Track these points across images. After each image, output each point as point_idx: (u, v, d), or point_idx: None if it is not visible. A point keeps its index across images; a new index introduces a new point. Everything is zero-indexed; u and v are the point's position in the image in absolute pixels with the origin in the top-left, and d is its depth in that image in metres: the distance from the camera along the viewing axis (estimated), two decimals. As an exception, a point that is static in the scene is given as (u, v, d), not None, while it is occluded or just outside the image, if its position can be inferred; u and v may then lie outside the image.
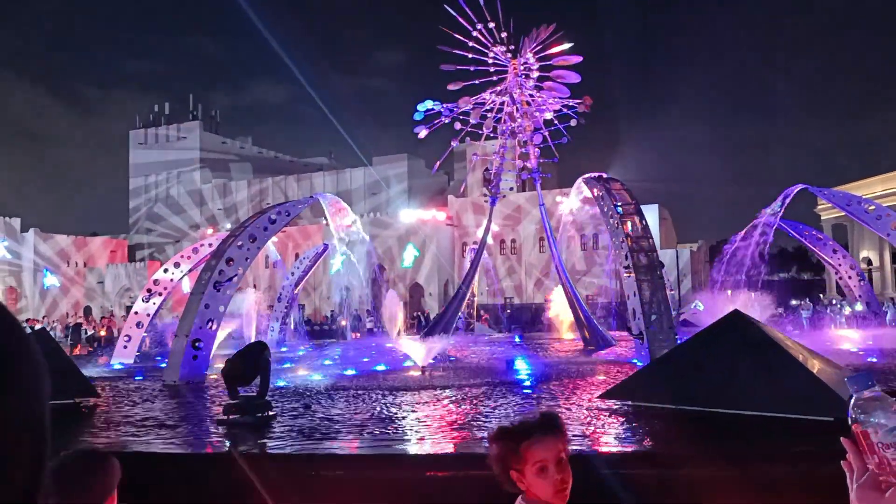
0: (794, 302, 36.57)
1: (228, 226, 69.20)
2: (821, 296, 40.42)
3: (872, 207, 24.68)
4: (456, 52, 25.90)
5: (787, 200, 26.74)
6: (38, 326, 31.53)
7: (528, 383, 16.06)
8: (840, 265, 28.56)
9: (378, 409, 12.67)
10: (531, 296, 56.60)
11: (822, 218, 54.46)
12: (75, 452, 2.46)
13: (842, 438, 1.28)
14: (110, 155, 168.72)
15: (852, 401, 1.27)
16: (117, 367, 23.00)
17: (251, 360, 12.36)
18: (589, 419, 10.99)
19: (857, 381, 1.32)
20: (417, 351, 19.66)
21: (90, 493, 2.32)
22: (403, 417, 11.71)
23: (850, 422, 1.26)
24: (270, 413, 11.88)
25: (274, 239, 28.14)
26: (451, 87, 26.62)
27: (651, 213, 47.37)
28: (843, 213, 31.06)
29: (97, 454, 2.53)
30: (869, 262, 51.09)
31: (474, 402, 13.23)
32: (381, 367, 20.46)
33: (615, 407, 11.53)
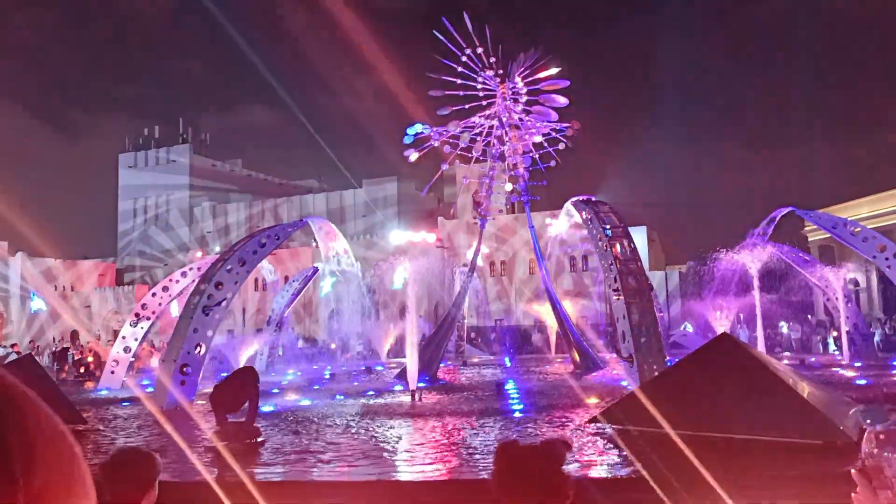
0: (781, 323, 36.72)
1: (218, 248, 69.00)
2: (808, 317, 40.59)
3: (858, 230, 24.91)
4: (445, 77, 26.17)
5: (774, 223, 26.99)
6: (12, 351, 31.18)
7: (518, 407, 16.01)
8: (827, 287, 28.72)
9: (368, 434, 12.59)
10: (521, 318, 56.55)
11: (810, 239, 54.84)
12: (122, 450, 3.00)
13: (852, 472, 1.29)
14: (99, 179, 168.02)
15: (865, 435, 1.29)
16: (104, 392, 22.77)
17: (239, 386, 12.29)
18: (579, 443, 10.97)
19: (871, 415, 1.34)
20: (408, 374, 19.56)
21: (136, 484, 2.79)
22: (394, 443, 11.64)
23: (862, 455, 1.27)
24: (259, 439, 11.80)
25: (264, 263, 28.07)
26: (440, 112, 26.82)
27: (639, 235, 47.57)
28: (830, 235, 31.32)
29: (141, 451, 3.00)
30: (856, 284, 51.42)
31: (465, 426, 13.17)
32: (371, 392, 20.36)
33: (605, 431, 11.52)
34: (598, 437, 11.32)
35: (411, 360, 19.53)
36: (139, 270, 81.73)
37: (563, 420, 13.59)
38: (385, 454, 10.64)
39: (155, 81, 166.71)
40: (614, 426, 11.44)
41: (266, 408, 15.54)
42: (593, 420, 12.26)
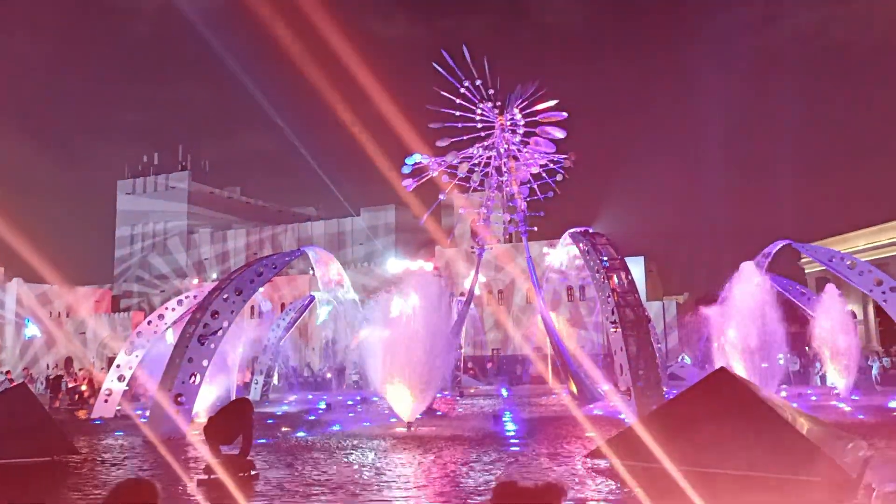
0: (779, 355, 36.56)
1: (216, 275, 68.90)
2: (806, 349, 40.45)
3: (854, 263, 24.95)
4: (443, 109, 26.46)
5: (771, 255, 27.04)
6: (5, 379, 30.94)
7: (515, 441, 15.88)
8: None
9: (363, 467, 12.48)
10: (518, 347, 56.34)
11: (806, 271, 54.93)
12: (126, 481, 3.24)
13: None
14: (98, 204, 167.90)
15: (874, 494, 1.30)
16: (97, 422, 22.59)
17: (234, 418, 12.18)
18: (577, 478, 10.87)
19: (879, 472, 1.34)
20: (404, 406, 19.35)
21: None
22: (388, 476, 11.52)
23: None
24: (253, 472, 11.67)
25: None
26: (439, 143, 27.07)
27: (637, 266, 47.65)
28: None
29: (142, 481, 3.26)
30: (854, 316, 51.37)
31: (460, 460, 13.06)
32: (366, 423, 20.20)
33: (603, 466, 11.42)
34: (596, 472, 11.22)
35: (395, 395, 18.95)
36: (136, 297, 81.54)
37: (561, 453, 13.48)
38: (379, 488, 10.53)
39: (155, 108, 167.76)
40: (612, 460, 11.34)
41: (260, 440, 15.40)
42: (592, 454, 12.16)
